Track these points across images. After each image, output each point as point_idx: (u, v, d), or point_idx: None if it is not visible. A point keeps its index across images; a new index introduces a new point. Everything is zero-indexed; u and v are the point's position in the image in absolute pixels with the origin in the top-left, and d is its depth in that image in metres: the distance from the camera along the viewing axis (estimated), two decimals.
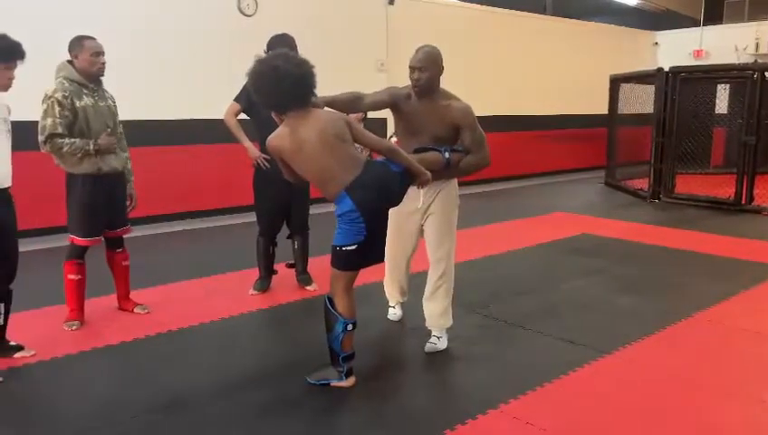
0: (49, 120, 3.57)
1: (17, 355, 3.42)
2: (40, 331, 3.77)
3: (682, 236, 6.61)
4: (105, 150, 3.71)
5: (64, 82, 3.67)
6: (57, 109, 3.58)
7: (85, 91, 3.71)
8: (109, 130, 3.74)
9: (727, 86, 10.31)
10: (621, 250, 6.07)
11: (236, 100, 4.34)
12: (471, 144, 3.39)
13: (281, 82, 2.84)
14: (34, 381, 3.22)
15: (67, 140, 3.60)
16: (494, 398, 2.98)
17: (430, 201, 3.53)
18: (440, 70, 3.42)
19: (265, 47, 4.22)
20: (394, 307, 4.07)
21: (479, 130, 3.41)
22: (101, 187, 3.77)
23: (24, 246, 5.49)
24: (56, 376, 3.28)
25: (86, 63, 3.69)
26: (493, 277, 5.09)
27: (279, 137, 2.95)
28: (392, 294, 4.01)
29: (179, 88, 7.09)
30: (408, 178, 3.08)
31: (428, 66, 3.36)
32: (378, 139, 3.13)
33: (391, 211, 3.20)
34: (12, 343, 3.46)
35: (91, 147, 3.64)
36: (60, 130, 3.58)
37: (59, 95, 3.60)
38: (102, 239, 3.94)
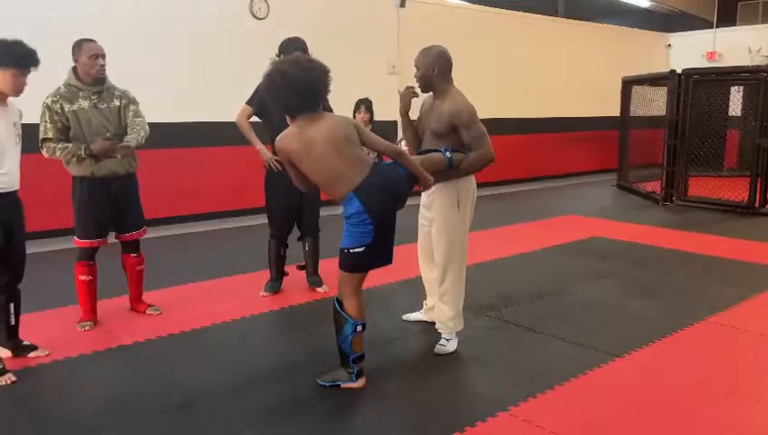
0: (42, 126, 3.64)
1: (31, 355, 3.46)
2: (54, 331, 3.81)
3: (695, 240, 6.56)
4: (100, 155, 3.69)
5: (61, 87, 3.71)
6: (47, 114, 3.64)
7: (82, 94, 3.72)
8: (108, 134, 3.72)
9: (741, 88, 10.22)
10: (633, 253, 6.03)
11: (248, 103, 4.36)
12: (470, 141, 3.42)
13: (288, 87, 2.88)
14: (48, 381, 3.26)
15: (60, 145, 3.63)
16: (504, 400, 2.98)
17: (430, 203, 3.59)
18: (435, 68, 3.45)
19: (277, 50, 4.25)
20: (423, 308, 4.02)
21: (477, 127, 3.43)
22: (99, 189, 3.78)
23: (40, 246, 5.58)
24: (70, 376, 3.32)
25: (85, 66, 3.70)
26: (504, 279, 5.08)
27: (287, 137, 2.97)
28: (427, 291, 3.96)
29: (190, 90, 7.13)
30: (414, 179, 3.11)
31: (420, 65, 3.48)
32: (385, 142, 3.15)
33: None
34: (26, 343, 3.50)
35: (83, 151, 3.65)
36: (50, 134, 3.62)
37: (48, 100, 3.65)
38: (107, 241, 3.95)
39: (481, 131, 3.43)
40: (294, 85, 2.86)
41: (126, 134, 3.84)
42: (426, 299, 4.00)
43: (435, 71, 3.45)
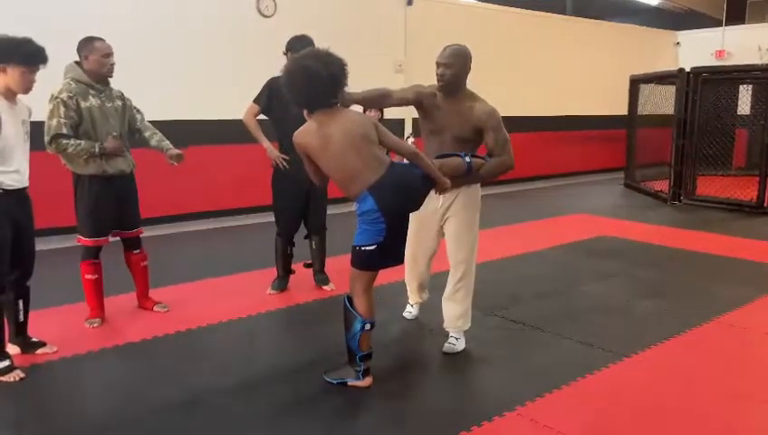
0: (54, 121, 3.60)
1: (39, 351, 3.47)
2: (62, 328, 3.82)
3: (703, 239, 6.53)
4: (112, 153, 3.72)
5: (71, 83, 3.69)
6: (62, 109, 3.60)
7: (92, 92, 3.72)
8: (115, 133, 3.75)
9: (750, 87, 10.16)
10: (641, 253, 6.01)
11: (255, 100, 4.36)
12: (494, 146, 3.38)
13: (310, 81, 2.87)
14: (56, 378, 3.27)
15: (72, 141, 3.62)
16: (512, 400, 2.97)
17: (449, 203, 3.53)
18: (466, 69, 3.42)
19: (284, 48, 4.25)
20: (412, 305, 4.08)
21: (503, 133, 3.40)
22: (107, 188, 3.79)
23: (48, 244, 5.60)
24: (78, 373, 3.33)
25: (96, 65, 3.71)
26: (511, 279, 5.07)
27: (306, 133, 2.97)
28: (411, 292, 4.01)
29: (196, 89, 7.14)
30: (430, 181, 3.08)
31: (454, 63, 3.37)
32: (401, 142, 3.15)
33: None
34: (34, 340, 3.51)
35: (97, 149, 3.66)
36: (64, 130, 3.60)
37: (64, 96, 3.62)
38: (110, 240, 3.96)
39: (506, 137, 3.41)
40: (317, 78, 2.86)
41: (128, 134, 3.89)
42: (412, 296, 4.03)
43: (467, 71, 3.42)
